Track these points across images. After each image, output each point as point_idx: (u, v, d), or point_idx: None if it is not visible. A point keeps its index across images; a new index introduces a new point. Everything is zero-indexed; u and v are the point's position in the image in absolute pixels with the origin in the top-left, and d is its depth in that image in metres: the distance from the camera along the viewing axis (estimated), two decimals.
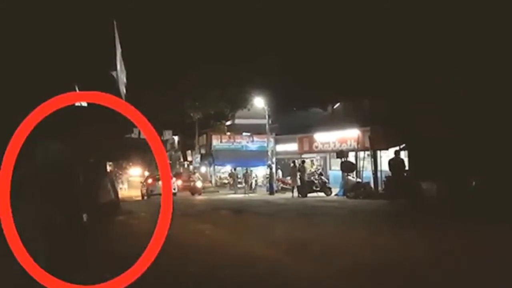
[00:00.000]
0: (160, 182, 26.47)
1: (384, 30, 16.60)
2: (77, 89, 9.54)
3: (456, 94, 15.00)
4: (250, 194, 26.77)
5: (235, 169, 32.05)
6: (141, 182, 32.03)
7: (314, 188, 22.89)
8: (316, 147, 26.68)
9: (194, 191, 29.57)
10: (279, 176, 29.47)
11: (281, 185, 27.90)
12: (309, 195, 22.44)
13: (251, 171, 30.39)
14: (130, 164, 49.03)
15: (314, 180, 23.34)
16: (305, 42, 20.56)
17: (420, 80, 16.90)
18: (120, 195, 20.36)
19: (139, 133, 28.75)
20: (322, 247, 7.66)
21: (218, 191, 31.17)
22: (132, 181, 43.35)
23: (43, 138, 5.08)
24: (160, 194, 23.21)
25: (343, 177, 22.16)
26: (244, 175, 29.21)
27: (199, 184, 30.29)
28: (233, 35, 20.49)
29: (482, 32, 13.70)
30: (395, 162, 17.56)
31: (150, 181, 28.90)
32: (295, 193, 23.24)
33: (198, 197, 27.34)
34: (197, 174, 32.41)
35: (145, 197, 27.83)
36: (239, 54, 22.04)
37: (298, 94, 25.99)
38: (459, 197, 13.73)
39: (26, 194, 4.47)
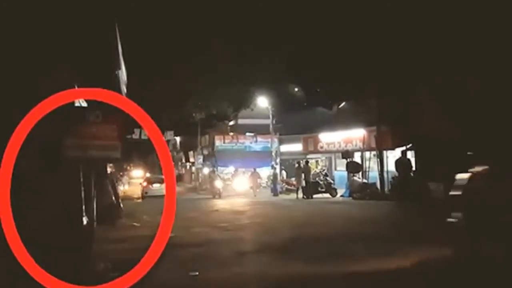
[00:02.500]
0: (154, 185, 29.15)
1: (391, 29, 16.32)
2: (76, 88, 9.11)
3: (463, 94, 14.70)
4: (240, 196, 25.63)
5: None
6: (140, 184, 34.01)
7: (319, 189, 22.57)
8: (321, 147, 26.32)
9: (213, 192, 26.84)
10: (283, 177, 29.04)
11: (286, 186, 27.44)
12: (314, 196, 22.08)
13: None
14: (131, 165, 48.74)
15: (319, 181, 22.99)
16: (311, 41, 20.19)
17: (427, 79, 16.60)
18: (120, 197, 20.02)
19: (140, 133, 28.45)
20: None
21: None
22: (133, 182, 43.02)
23: (44, 138, 4.75)
24: (155, 196, 25.54)
25: (348, 177, 21.82)
26: (251, 174, 28.43)
27: (218, 184, 27.13)
28: (237, 33, 20.09)
29: (494, 29, 13.38)
30: (401, 162, 17.23)
31: (145, 184, 31.33)
32: (300, 194, 22.84)
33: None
34: (216, 173, 30.20)
35: (144, 198, 28.55)
36: (243, 52, 21.65)
37: (303, 93, 25.61)
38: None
39: (27, 194, 4.19)
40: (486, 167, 6.09)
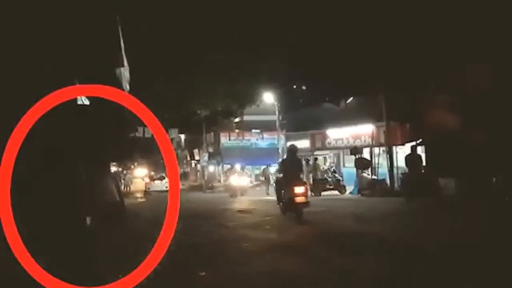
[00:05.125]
0: (156, 182, 34.70)
1: (399, 22, 16.04)
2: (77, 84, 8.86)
3: (475, 89, 14.34)
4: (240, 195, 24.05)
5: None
6: (142, 179, 38.12)
7: (328, 186, 22.31)
8: (329, 143, 26.07)
9: (230, 190, 24.52)
10: None
11: None
12: (322, 193, 21.75)
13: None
14: (135, 163, 48.66)
15: (327, 178, 22.72)
16: (316, 35, 19.98)
17: (438, 74, 16.25)
18: (124, 196, 19.89)
19: (144, 131, 28.23)
20: None
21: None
22: (136, 181, 42.91)
23: (45, 135, 4.53)
24: (157, 192, 29.04)
25: (357, 174, 21.53)
26: (263, 171, 27.96)
27: (235, 181, 24.08)
28: (242, 29, 19.91)
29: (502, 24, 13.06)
30: (412, 158, 16.80)
31: (147, 180, 37.20)
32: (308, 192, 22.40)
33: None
34: (233, 169, 27.53)
35: (147, 195, 29.97)
36: (248, 48, 21.49)
37: (309, 89, 25.38)
38: (478, 194, 13.16)
39: (28, 194, 3.98)
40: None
